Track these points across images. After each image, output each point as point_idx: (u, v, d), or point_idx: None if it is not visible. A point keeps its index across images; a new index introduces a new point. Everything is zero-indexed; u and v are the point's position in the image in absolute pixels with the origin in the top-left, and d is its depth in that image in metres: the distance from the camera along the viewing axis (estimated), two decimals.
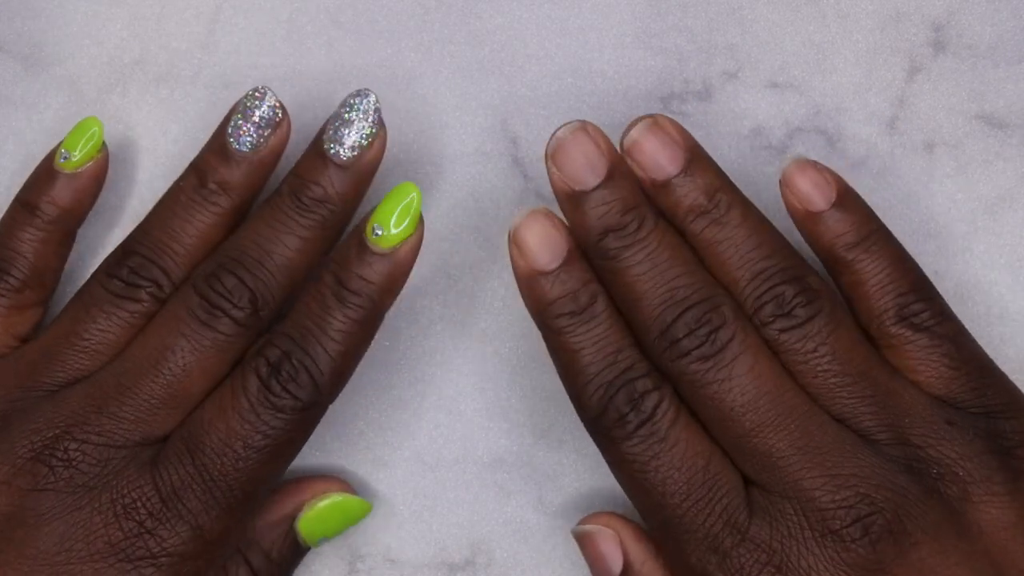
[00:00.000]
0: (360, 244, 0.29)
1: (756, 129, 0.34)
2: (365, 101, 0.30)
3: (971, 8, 0.35)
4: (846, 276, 0.30)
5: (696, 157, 0.30)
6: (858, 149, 0.34)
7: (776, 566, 0.27)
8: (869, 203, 0.32)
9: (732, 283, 0.29)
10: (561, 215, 0.30)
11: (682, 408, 0.28)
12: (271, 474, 0.29)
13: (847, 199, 0.30)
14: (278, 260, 0.30)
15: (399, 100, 0.34)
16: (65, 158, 0.31)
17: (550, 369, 0.33)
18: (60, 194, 0.31)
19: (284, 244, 0.30)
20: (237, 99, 0.31)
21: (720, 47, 0.34)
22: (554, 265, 0.29)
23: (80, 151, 0.31)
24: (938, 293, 0.30)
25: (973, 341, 0.30)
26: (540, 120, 0.34)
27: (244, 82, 0.34)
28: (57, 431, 0.28)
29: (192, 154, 0.34)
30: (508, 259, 0.33)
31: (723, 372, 0.28)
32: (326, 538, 0.31)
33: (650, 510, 0.28)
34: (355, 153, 0.30)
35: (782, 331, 0.29)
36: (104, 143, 0.32)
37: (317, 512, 0.31)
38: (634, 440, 0.28)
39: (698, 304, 0.28)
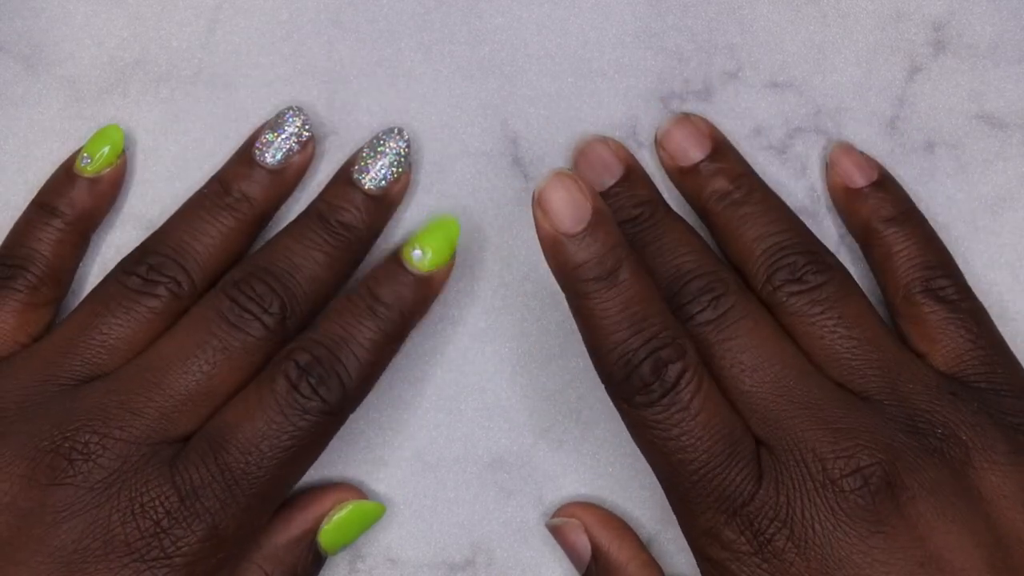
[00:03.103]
0: (398, 263, 0.31)
1: (756, 129, 0.34)
2: (398, 139, 0.32)
3: (971, 8, 0.35)
4: (878, 249, 0.32)
5: (721, 146, 0.33)
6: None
7: (783, 520, 0.27)
8: None
9: (748, 254, 0.31)
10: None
11: (704, 375, 0.28)
12: (290, 477, 0.29)
13: (887, 181, 0.33)
14: (307, 273, 0.31)
15: (399, 100, 0.34)
16: (86, 162, 0.33)
17: (550, 369, 0.33)
18: (79, 196, 0.32)
19: (313, 259, 0.31)
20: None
21: (720, 47, 0.34)
22: (579, 228, 0.28)
23: (99, 157, 0.33)
24: (963, 274, 0.31)
25: (992, 322, 0.31)
26: (540, 120, 0.34)
27: (244, 82, 0.34)
28: (78, 424, 0.28)
29: (192, 155, 0.34)
30: (508, 259, 0.33)
31: (724, 334, 0.29)
32: (345, 545, 0.32)
33: (666, 474, 0.29)
34: (384, 185, 0.32)
35: (792, 294, 0.30)
36: (124, 150, 0.33)
37: (337, 523, 0.31)
38: (657, 408, 0.28)
39: (703, 275, 0.30)
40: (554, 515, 0.32)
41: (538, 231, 0.29)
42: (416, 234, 0.32)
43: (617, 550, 0.31)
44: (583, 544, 0.31)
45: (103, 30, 0.35)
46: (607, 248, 0.28)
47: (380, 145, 0.32)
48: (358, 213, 0.32)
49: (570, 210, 0.28)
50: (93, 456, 0.28)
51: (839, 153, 0.33)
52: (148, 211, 0.34)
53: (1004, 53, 0.34)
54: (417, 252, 0.31)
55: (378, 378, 0.31)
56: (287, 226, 0.32)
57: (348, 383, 0.29)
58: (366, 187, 0.32)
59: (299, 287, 0.30)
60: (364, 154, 0.32)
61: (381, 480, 0.33)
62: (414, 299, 0.31)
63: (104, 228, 0.34)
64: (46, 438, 0.28)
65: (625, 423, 0.30)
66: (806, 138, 0.34)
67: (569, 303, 0.29)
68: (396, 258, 0.31)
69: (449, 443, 0.33)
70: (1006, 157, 0.34)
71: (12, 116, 0.34)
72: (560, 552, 0.32)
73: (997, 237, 0.34)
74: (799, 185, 0.34)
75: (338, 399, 0.29)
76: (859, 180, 0.32)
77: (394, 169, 0.32)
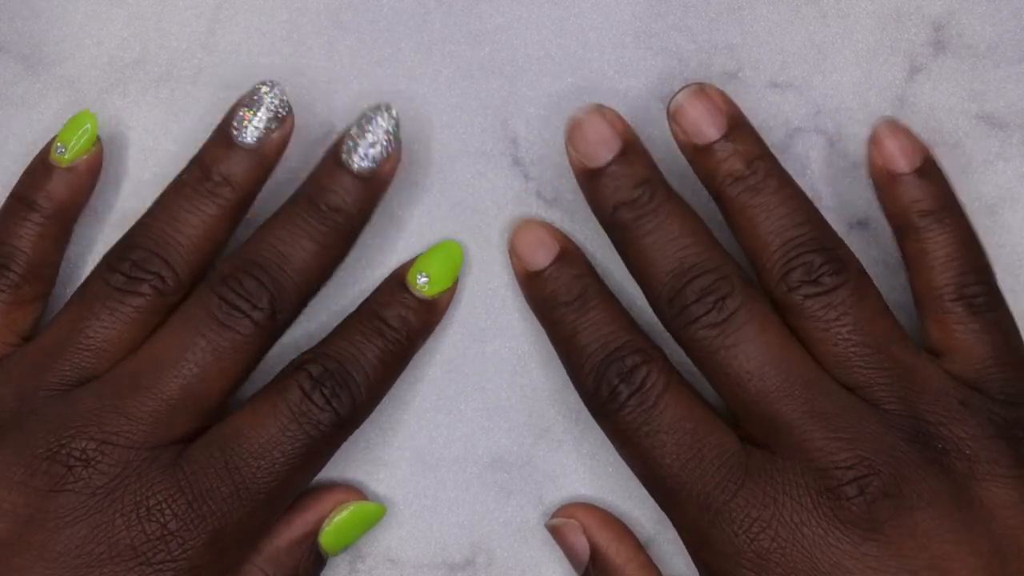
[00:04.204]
0: (403, 286, 0.31)
1: (756, 129, 0.34)
2: (386, 116, 0.31)
3: (971, 8, 0.35)
4: (913, 243, 0.31)
5: (738, 125, 0.31)
6: (858, 149, 0.34)
7: (767, 521, 0.27)
8: (871, 202, 0.32)
9: (762, 248, 0.30)
10: (553, 221, 0.33)
11: (673, 377, 0.30)
12: (296, 484, 0.30)
13: (931, 169, 0.31)
14: (296, 264, 0.30)
15: (399, 100, 0.34)
16: (60, 152, 0.32)
17: (550, 369, 0.33)
18: (56, 188, 0.32)
19: (302, 248, 0.30)
20: (242, 94, 0.31)
21: (720, 47, 0.34)
22: (545, 264, 0.31)
23: (74, 145, 0.32)
24: (996, 280, 0.31)
25: (1017, 332, 0.30)
26: (540, 120, 0.34)
27: (244, 82, 0.34)
28: (73, 431, 0.28)
29: (192, 154, 0.34)
30: (507, 259, 0.33)
31: (731, 339, 0.29)
32: (346, 547, 0.32)
33: (647, 476, 0.30)
34: (374, 165, 0.31)
35: (807, 297, 0.29)
36: (98, 137, 0.32)
37: (338, 524, 0.31)
38: (626, 409, 0.29)
39: (707, 272, 0.29)
40: (553, 516, 0.33)
41: (515, 274, 0.33)
42: (420, 259, 0.32)
43: (615, 552, 0.31)
44: (582, 545, 0.31)
45: (103, 30, 0.35)
46: (573, 277, 0.31)
47: (368, 124, 0.31)
48: (348, 195, 0.31)
49: (536, 249, 0.32)
50: (92, 462, 0.28)
51: (885, 132, 0.32)
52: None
53: (1004, 53, 0.34)
54: (422, 278, 0.32)
55: (384, 395, 0.31)
56: (275, 213, 0.31)
57: (358, 396, 0.30)
58: (355, 168, 0.31)
59: (289, 279, 0.30)
60: (352, 133, 0.31)
61: (381, 480, 0.33)
62: (419, 323, 0.31)
63: (103, 228, 0.34)
64: (41, 445, 0.28)
65: (608, 437, 0.31)
66: (806, 138, 0.34)
67: (548, 335, 0.32)
68: (401, 282, 0.32)
69: (449, 443, 0.33)
70: (1006, 157, 0.34)
71: (12, 116, 0.34)
72: (560, 552, 0.32)
73: (997, 237, 0.34)
74: (799, 185, 0.34)
75: (349, 411, 0.29)
76: (903, 165, 0.31)
77: (383, 148, 0.31)
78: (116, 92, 0.34)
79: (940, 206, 0.31)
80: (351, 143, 0.31)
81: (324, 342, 0.31)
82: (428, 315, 0.32)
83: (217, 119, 0.33)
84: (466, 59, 0.35)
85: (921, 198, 0.31)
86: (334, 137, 0.34)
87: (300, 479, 0.30)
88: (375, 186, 0.32)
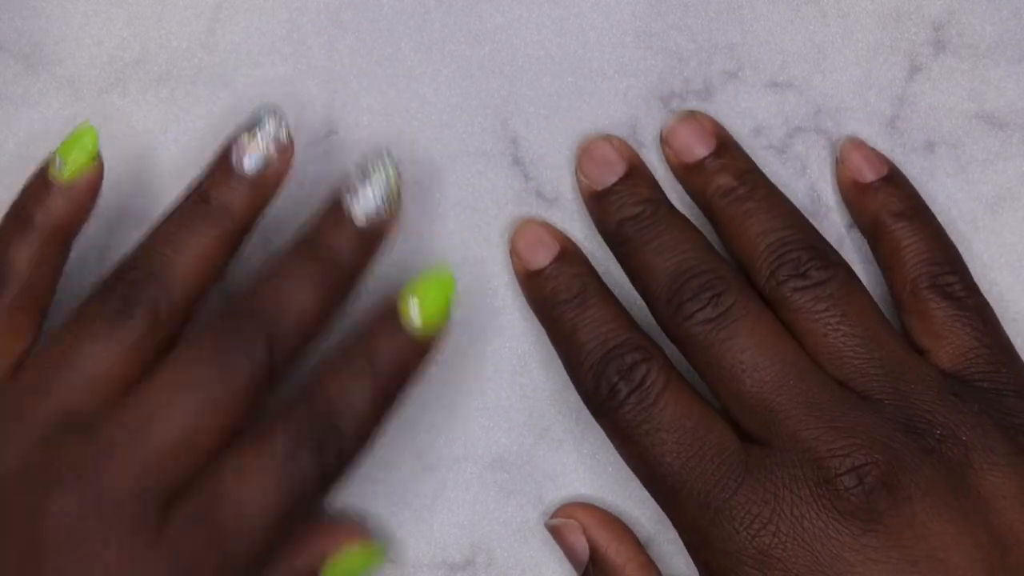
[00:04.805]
0: (394, 323, 0.29)
1: (756, 129, 0.34)
2: (386, 169, 0.30)
3: (971, 7, 0.35)
4: (886, 243, 0.32)
5: (727, 143, 0.33)
6: None
7: (767, 517, 0.27)
8: None
9: (752, 250, 0.31)
10: (553, 221, 0.34)
11: (673, 375, 0.30)
12: (284, 533, 0.28)
13: (896, 176, 0.33)
14: (294, 313, 0.29)
15: (399, 100, 0.34)
16: (59, 166, 0.30)
17: (550, 369, 0.33)
18: (55, 205, 0.30)
19: (302, 295, 0.29)
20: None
21: (720, 47, 0.34)
22: (545, 263, 0.32)
23: (73, 161, 0.30)
24: (969, 271, 0.31)
25: (998, 321, 0.31)
26: (540, 120, 0.34)
27: (244, 82, 0.34)
28: (55, 479, 0.27)
29: (192, 155, 0.34)
30: (507, 259, 0.33)
31: (724, 333, 0.29)
32: None
33: (647, 475, 0.30)
34: (377, 217, 0.30)
35: (795, 290, 0.30)
36: (99, 152, 0.31)
37: (341, 566, 0.30)
38: (626, 407, 0.29)
39: (703, 273, 0.30)
40: (553, 515, 0.32)
41: (515, 274, 0.33)
42: (411, 286, 0.30)
43: (615, 552, 0.31)
44: (581, 545, 0.31)
45: (103, 29, 0.35)
46: (572, 275, 0.31)
47: (372, 174, 0.30)
48: (348, 247, 0.30)
49: (535, 248, 0.32)
50: (71, 517, 0.26)
51: (849, 148, 0.33)
52: (148, 211, 0.34)
53: (1004, 53, 0.34)
54: (414, 309, 0.29)
55: (377, 435, 0.29)
56: (276, 260, 0.30)
57: (346, 447, 0.28)
58: (358, 221, 0.30)
59: (286, 327, 0.29)
60: (355, 186, 0.30)
61: (381, 480, 0.33)
62: (411, 360, 0.29)
63: (103, 227, 0.34)
64: (18, 503, 0.27)
65: (607, 436, 0.31)
66: (806, 138, 0.34)
67: (548, 334, 0.32)
68: (392, 316, 0.29)
69: (449, 443, 0.33)
70: (1006, 157, 0.34)
71: (12, 116, 0.34)
72: (560, 552, 0.32)
73: (997, 237, 0.34)
74: (799, 184, 0.34)
75: (336, 464, 0.28)
76: (868, 175, 0.32)
77: (386, 203, 0.30)
78: (116, 92, 0.35)
79: (909, 206, 0.32)
80: (352, 195, 0.30)
81: (312, 388, 0.29)
82: (420, 353, 0.30)
83: (216, 119, 0.33)
84: (466, 59, 0.35)
85: (890, 201, 0.32)
86: (334, 144, 0.34)
87: (289, 530, 0.28)
88: (377, 238, 0.30)
